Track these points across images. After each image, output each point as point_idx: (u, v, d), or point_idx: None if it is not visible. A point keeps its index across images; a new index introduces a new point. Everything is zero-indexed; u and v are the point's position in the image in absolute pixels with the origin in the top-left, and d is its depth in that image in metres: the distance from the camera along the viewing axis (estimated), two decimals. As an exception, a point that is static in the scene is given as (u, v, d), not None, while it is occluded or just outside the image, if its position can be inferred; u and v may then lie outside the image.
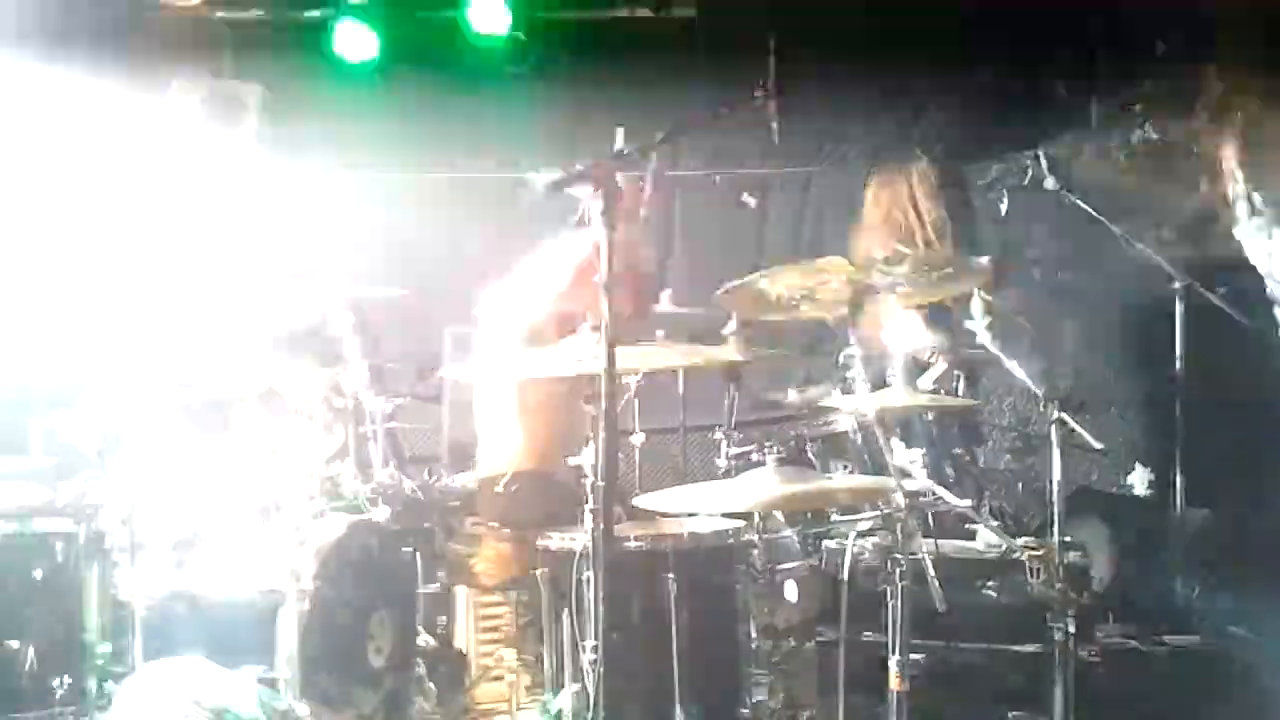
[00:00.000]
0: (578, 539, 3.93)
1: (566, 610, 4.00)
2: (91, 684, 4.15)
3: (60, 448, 4.31)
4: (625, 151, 3.10)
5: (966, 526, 4.39)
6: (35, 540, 4.32)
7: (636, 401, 5.23)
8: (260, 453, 4.54)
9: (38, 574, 4.32)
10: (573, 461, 3.82)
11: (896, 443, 4.36)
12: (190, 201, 5.95)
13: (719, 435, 4.99)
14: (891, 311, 4.23)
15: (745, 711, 4.02)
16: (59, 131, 5.70)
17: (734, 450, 4.89)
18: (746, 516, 4.16)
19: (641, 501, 4.00)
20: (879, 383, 4.53)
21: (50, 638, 4.31)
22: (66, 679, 4.24)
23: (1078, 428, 4.02)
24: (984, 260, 4.31)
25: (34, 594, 4.32)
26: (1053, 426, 3.94)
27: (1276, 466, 5.29)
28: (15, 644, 4.26)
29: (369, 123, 6.43)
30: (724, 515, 4.12)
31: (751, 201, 6.49)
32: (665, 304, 5.42)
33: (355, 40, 6.29)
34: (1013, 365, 4.17)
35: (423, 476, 5.71)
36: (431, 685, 5.17)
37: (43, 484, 4.47)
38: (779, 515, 4.64)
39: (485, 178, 6.41)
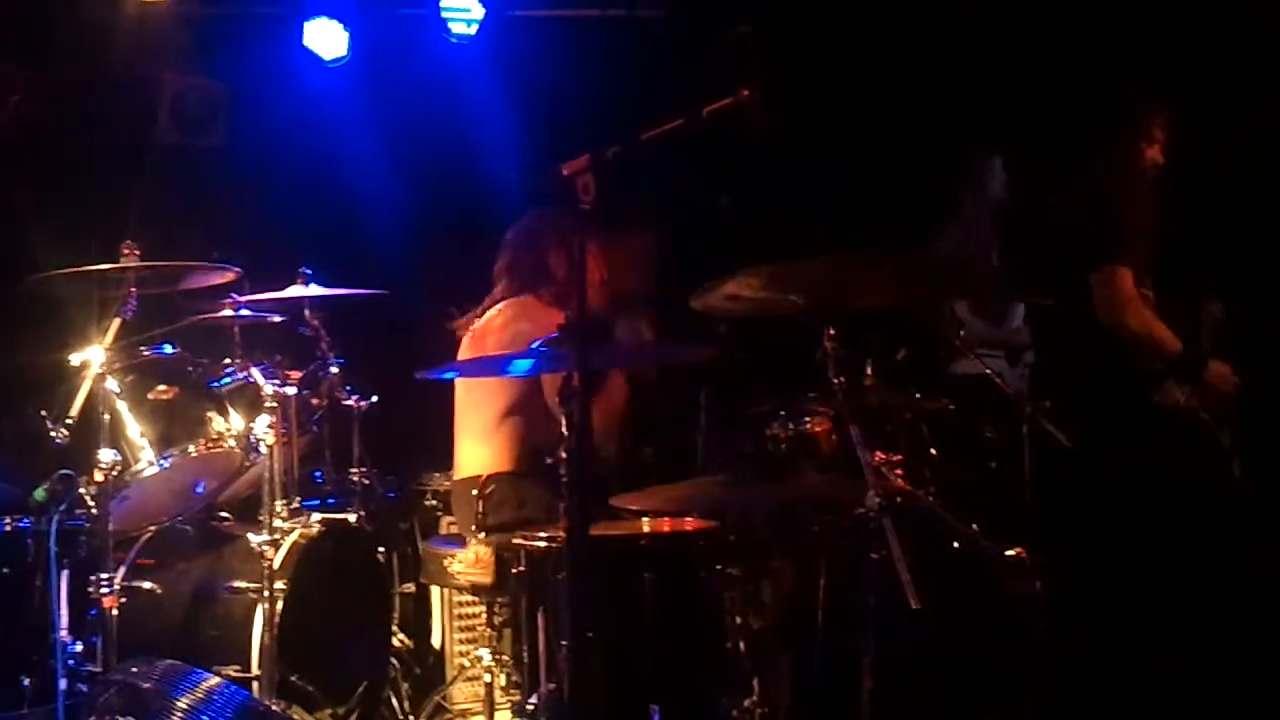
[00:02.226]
0: (553, 539, 3.93)
1: (542, 610, 4.00)
2: (62, 683, 4.12)
3: (31, 445, 4.28)
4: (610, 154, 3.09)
5: (940, 526, 4.40)
6: (6, 538, 4.30)
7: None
8: (236, 451, 4.52)
9: (7, 571, 4.30)
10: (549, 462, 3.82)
11: (871, 442, 4.38)
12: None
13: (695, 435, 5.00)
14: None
15: (720, 711, 4.02)
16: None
17: (709, 450, 4.90)
18: (722, 517, 4.16)
19: (618, 501, 4.01)
20: (855, 382, 4.55)
21: (20, 637, 4.28)
22: (37, 678, 4.22)
23: (1052, 429, 4.04)
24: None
25: (4, 592, 4.30)
26: (1026, 427, 3.97)
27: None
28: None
29: (341, 120, 6.42)
30: (700, 515, 4.12)
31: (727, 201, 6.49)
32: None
33: (327, 38, 6.27)
34: (991, 365, 4.20)
35: (398, 477, 5.72)
36: (407, 685, 5.17)
37: (14, 482, 4.45)
38: (753, 515, 4.64)
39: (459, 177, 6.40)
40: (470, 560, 4.32)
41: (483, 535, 4.31)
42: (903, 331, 4.99)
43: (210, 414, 4.50)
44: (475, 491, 4.33)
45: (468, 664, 5.03)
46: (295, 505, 4.80)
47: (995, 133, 6.16)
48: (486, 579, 4.32)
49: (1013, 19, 5.96)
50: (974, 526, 4.12)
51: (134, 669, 3.67)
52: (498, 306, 4.92)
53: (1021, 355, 5.97)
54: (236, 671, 4.34)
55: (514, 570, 4.04)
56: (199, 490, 4.68)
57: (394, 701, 5.06)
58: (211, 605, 4.54)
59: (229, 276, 4.58)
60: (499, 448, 4.79)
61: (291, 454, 4.85)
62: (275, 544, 4.42)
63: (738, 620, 4.05)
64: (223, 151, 6.43)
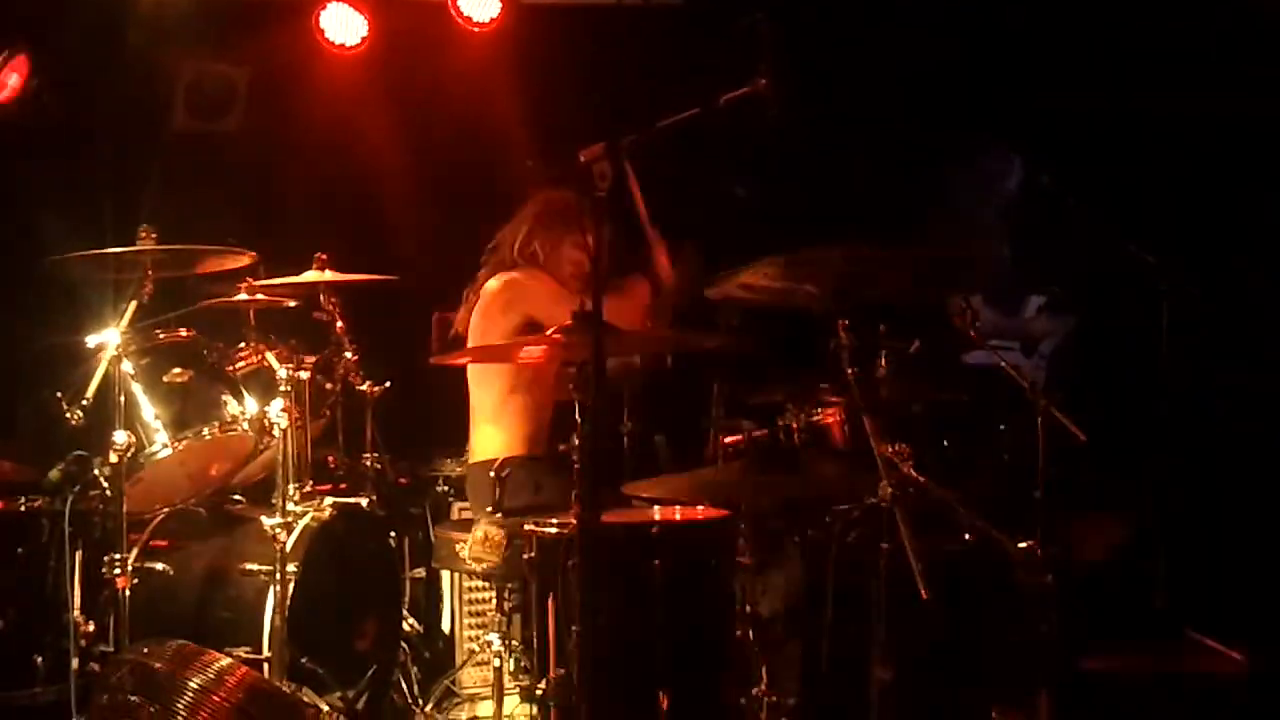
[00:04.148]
0: (565, 525, 3.94)
1: (552, 596, 4.01)
2: (74, 663, 4.14)
3: (47, 426, 4.31)
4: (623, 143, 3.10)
5: (952, 517, 4.40)
6: (21, 518, 4.32)
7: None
8: (249, 435, 4.53)
9: (21, 551, 4.32)
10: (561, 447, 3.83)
11: (883, 433, 4.38)
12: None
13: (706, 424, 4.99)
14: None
15: (727, 699, 4.03)
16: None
17: (721, 439, 4.90)
18: (733, 505, 4.17)
19: (630, 488, 4.01)
20: (868, 372, 4.54)
21: (34, 616, 4.31)
22: (50, 657, 4.24)
23: (1064, 420, 4.03)
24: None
25: (18, 572, 4.32)
26: (1039, 419, 3.96)
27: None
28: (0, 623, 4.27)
29: (357, 106, 6.42)
30: (710, 504, 4.13)
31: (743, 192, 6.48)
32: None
33: (344, 23, 6.26)
34: (1004, 356, 4.19)
35: (411, 462, 5.73)
36: (416, 669, 5.19)
37: (29, 462, 4.47)
38: (765, 504, 4.64)
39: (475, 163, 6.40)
40: (479, 543, 4.32)
41: (495, 514, 4.30)
42: (916, 322, 4.98)
43: (225, 397, 4.53)
44: (492, 474, 4.33)
45: (477, 649, 5.05)
46: (308, 489, 4.81)
47: (1015, 119, 6.14)
48: (502, 556, 4.31)
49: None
50: (985, 518, 4.12)
51: (146, 649, 3.69)
52: (498, 278, 4.91)
53: (1037, 346, 5.98)
54: (247, 653, 4.35)
55: (525, 556, 4.05)
56: (212, 473, 4.70)
57: (403, 685, 5.08)
58: (223, 587, 4.56)
59: (245, 261, 4.59)
60: (511, 430, 4.81)
61: (305, 438, 4.86)
62: (287, 527, 4.42)
63: (747, 609, 4.06)
64: (239, 137, 6.44)
